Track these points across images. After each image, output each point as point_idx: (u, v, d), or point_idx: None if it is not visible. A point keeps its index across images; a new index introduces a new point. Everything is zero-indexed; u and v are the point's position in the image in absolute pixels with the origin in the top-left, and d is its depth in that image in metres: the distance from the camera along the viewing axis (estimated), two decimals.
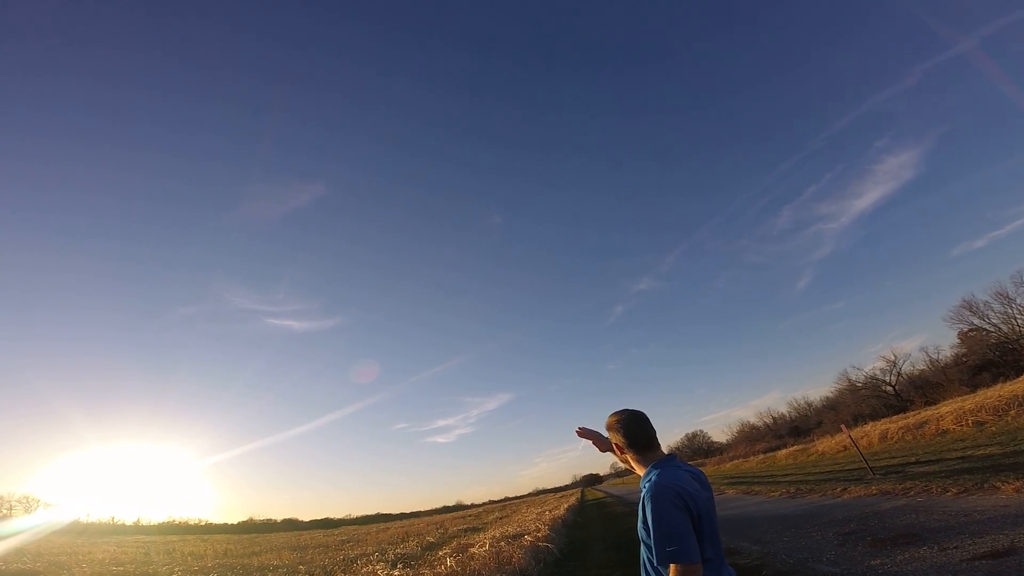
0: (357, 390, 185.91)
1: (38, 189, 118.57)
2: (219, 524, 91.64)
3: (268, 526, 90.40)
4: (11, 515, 66.02)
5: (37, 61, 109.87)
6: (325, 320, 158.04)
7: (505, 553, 9.88)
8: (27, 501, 68.73)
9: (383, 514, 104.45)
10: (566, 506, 28.58)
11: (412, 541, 20.54)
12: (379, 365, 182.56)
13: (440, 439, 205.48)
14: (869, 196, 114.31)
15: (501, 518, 30.08)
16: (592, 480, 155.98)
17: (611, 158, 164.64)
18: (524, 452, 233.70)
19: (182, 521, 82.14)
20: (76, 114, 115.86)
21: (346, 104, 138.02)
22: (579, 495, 56.66)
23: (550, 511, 24.49)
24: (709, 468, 48.21)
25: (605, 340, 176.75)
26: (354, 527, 60.31)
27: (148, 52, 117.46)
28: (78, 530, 42.52)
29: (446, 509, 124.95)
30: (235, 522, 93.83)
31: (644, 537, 1.70)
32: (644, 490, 1.74)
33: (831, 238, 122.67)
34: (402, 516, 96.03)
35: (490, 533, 16.37)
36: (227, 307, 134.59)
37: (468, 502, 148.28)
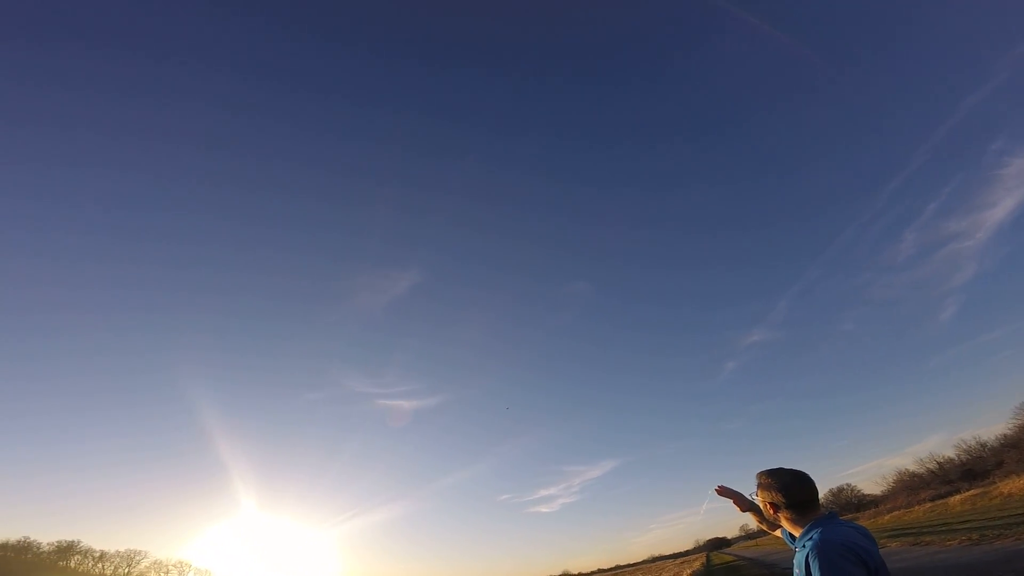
0: (461, 463, 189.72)
1: (211, 302, 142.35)
2: None
3: None
4: None
5: (180, 166, 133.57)
6: (430, 398, 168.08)
7: None
8: (181, 566, 77.51)
9: None
10: (689, 572, 26.74)
11: None
12: (478, 437, 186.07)
13: (544, 509, 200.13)
14: (1004, 205, 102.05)
15: None
16: (719, 544, 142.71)
17: (696, 193, 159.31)
18: (635, 518, 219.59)
19: None
20: (228, 221, 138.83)
21: (430, 192, 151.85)
22: (704, 559, 52.03)
23: None
24: (864, 523, 42.28)
25: (719, 399, 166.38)
26: None
27: (281, 159, 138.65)
28: None
29: None
30: None
31: None
32: (805, 548, 1.73)
33: (970, 258, 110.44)
34: None
35: None
36: (345, 391, 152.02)
37: (575, 571, 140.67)
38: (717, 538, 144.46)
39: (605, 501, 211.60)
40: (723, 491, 2.36)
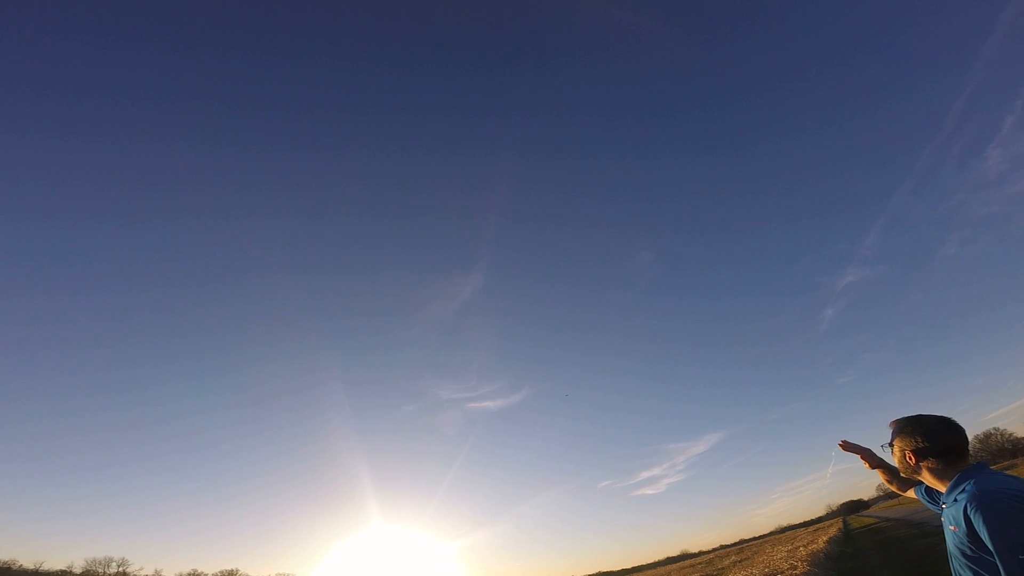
0: (556, 457, 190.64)
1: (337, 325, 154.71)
2: None
3: None
4: None
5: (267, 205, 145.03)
6: (514, 395, 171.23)
7: None
8: None
9: (605, 572, 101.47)
10: (825, 538, 23.79)
11: None
12: (566, 428, 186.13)
13: (648, 491, 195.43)
14: None
15: (740, 561, 26.28)
16: (855, 507, 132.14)
17: (756, 151, 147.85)
18: (753, 490, 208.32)
19: None
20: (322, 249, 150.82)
21: (478, 192, 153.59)
22: (841, 524, 47.32)
23: (805, 546, 21.47)
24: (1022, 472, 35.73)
25: (823, 352, 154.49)
26: None
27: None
28: None
29: (670, 560, 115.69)
30: None
31: (968, 552, 1.54)
32: (959, 502, 1.57)
33: None
34: (623, 572, 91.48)
35: None
36: (436, 400, 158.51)
37: (695, 550, 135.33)
38: (852, 501, 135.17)
39: (714, 477, 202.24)
40: (847, 446, 2.21)
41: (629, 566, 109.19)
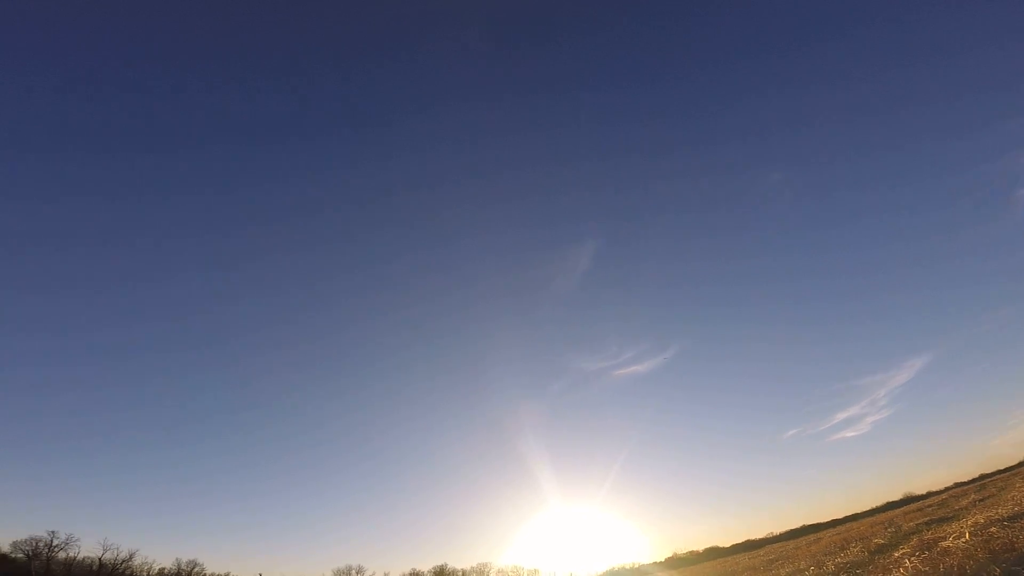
0: (726, 412, 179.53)
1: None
2: (648, 564, 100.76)
3: (692, 558, 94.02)
4: None
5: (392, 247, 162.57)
6: (662, 355, 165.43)
7: (1001, 539, 7.27)
8: (517, 571, 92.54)
9: (811, 524, 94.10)
10: None
11: (855, 547, 17.47)
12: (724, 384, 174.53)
13: (849, 433, 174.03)
14: None
15: (981, 500, 22.95)
16: None
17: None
18: (984, 416, 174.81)
19: (619, 567, 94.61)
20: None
21: (579, 162, 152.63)
22: None
23: None
24: None
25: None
26: (780, 544, 56.32)
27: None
28: None
29: (890, 505, 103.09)
30: (662, 559, 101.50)
31: None
32: None
33: None
34: (834, 523, 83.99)
35: (968, 521, 12.97)
36: (581, 374, 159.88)
37: (921, 491, 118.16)
38: None
39: (929, 406, 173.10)
40: None
41: (841, 515, 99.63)
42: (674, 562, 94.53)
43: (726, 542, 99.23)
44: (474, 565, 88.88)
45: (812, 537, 46.81)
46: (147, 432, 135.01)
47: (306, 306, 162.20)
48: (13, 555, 51.14)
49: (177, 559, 69.56)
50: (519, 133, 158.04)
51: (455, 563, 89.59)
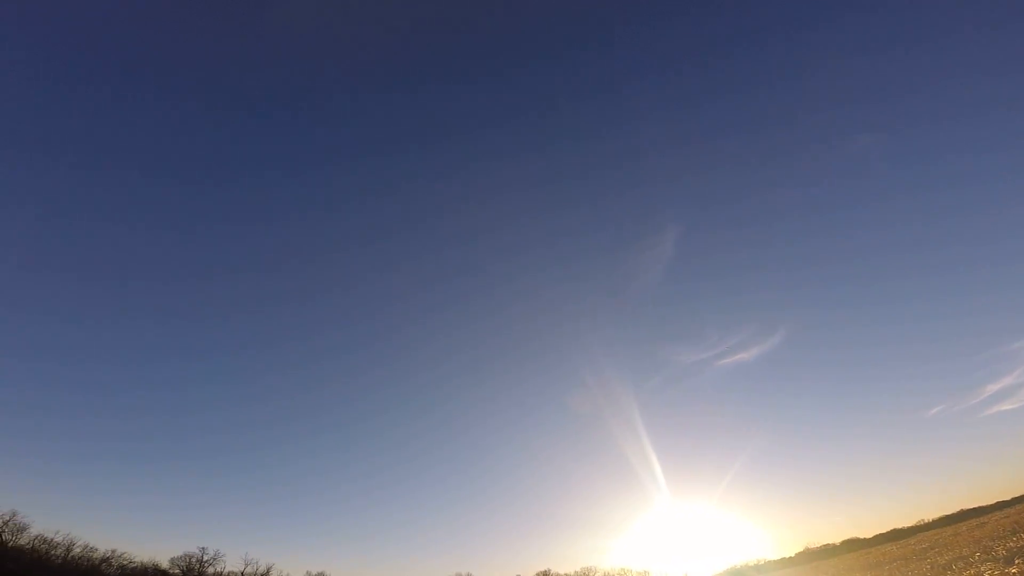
0: (853, 392, 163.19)
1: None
2: (775, 560, 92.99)
3: (828, 551, 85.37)
4: None
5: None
6: (769, 339, 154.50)
7: None
8: (624, 573, 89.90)
9: (972, 508, 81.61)
10: None
11: None
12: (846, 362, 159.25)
13: (1005, 406, 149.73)
14: None
15: None
16: None
17: None
18: None
19: (742, 564, 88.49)
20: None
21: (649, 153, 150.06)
22: None
23: None
24: None
25: None
26: (934, 531, 49.42)
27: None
28: None
29: None
30: (791, 554, 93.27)
31: None
32: None
33: None
34: (1000, 505, 72.01)
35: None
36: (679, 367, 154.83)
37: None
38: None
39: None
40: None
41: (1008, 497, 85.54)
42: (807, 556, 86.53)
43: (867, 533, 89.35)
44: (579, 569, 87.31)
45: (975, 522, 40.59)
46: (277, 444, 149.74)
47: (438, 307, 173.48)
48: (172, 571, 58.64)
49: (307, 572, 75.44)
50: (575, 139, 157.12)
51: (558, 567, 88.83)
